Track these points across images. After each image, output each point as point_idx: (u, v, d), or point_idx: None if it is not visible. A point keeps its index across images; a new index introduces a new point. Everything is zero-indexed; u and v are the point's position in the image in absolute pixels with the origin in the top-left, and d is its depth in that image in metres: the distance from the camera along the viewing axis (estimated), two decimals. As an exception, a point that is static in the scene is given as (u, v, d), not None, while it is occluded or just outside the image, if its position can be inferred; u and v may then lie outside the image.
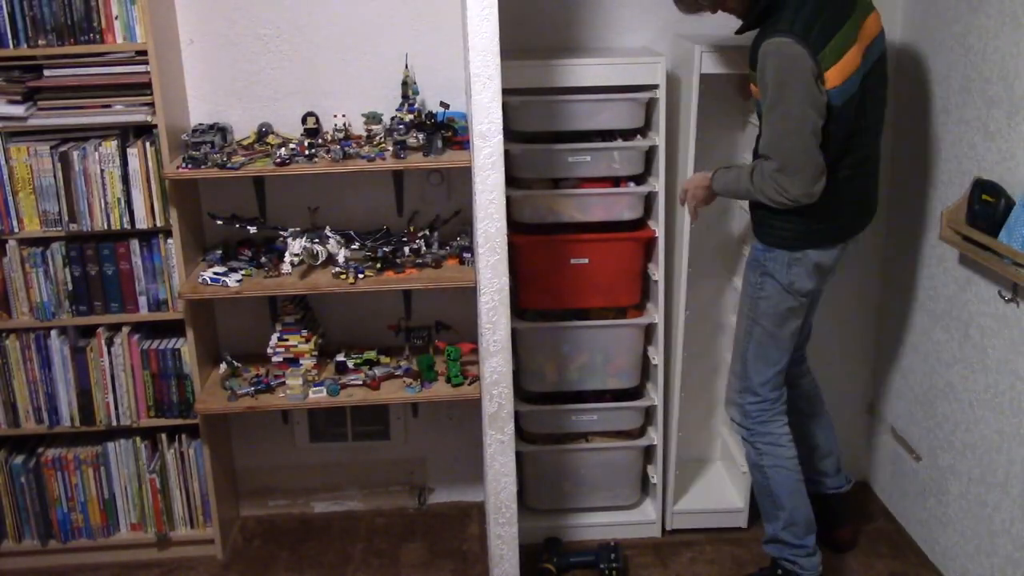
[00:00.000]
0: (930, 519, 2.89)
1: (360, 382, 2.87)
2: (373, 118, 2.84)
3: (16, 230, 2.78)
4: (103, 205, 2.76)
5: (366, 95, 2.90)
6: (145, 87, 2.67)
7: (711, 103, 2.79)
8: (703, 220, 3.09)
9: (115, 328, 2.90)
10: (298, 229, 2.82)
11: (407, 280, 2.78)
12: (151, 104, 2.68)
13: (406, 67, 2.85)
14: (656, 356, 2.93)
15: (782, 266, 2.52)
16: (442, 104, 2.80)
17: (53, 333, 2.86)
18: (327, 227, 2.84)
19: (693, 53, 2.68)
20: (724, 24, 2.57)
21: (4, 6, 2.59)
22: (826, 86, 2.30)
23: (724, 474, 3.28)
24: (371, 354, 2.97)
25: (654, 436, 3.01)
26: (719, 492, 3.19)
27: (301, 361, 2.88)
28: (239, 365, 2.94)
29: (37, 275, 2.80)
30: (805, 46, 2.27)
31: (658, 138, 2.76)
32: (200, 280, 2.76)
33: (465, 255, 2.86)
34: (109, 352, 2.87)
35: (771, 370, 2.63)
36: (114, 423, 2.92)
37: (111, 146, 2.72)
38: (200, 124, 2.85)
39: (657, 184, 2.80)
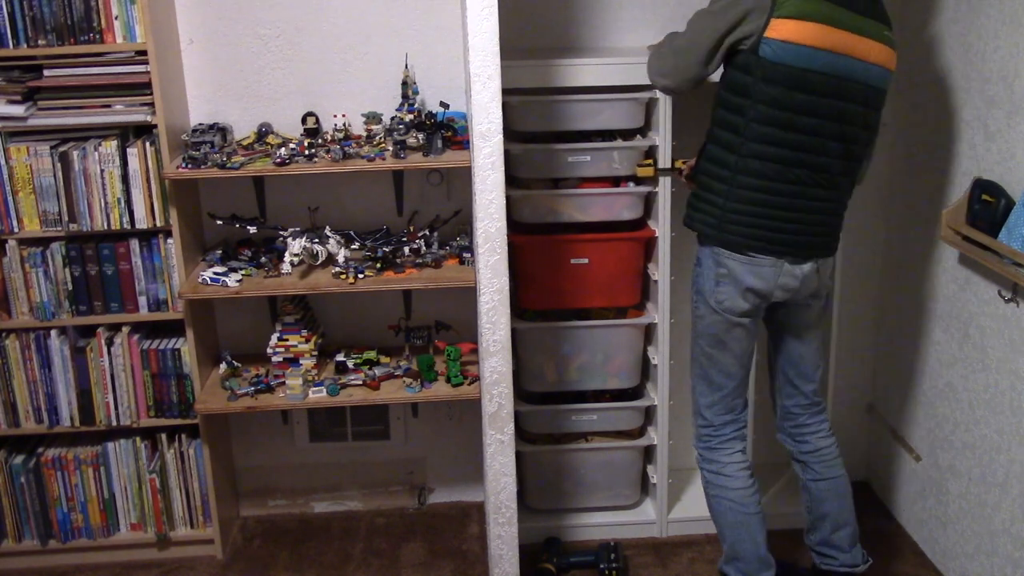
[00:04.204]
0: (930, 519, 2.90)
1: (360, 382, 2.87)
2: (373, 118, 2.84)
3: (16, 230, 2.78)
4: (103, 205, 2.76)
5: (366, 95, 2.90)
6: (145, 87, 2.67)
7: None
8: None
9: (115, 328, 2.90)
10: (298, 229, 2.82)
11: (407, 280, 2.78)
12: (151, 104, 2.68)
13: (406, 67, 2.85)
14: (656, 356, 2.93)
15: (709, 281, 2.37)
16: (442, 104, 2.80)
17: (53, 333, 2.86)
18: (327, 227, 2.84)
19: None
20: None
21: (4, 6, 2.59)
22: (767, 33, 2.14)
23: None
24: (371, 354, 2.97)
25: (654, 436, 3.01)
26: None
27: (301, 361, 2.88)
28: (239, 365, 2.94)
29: (37, 275, 2.80)
30: None
31: (658, 138, 2.76)
32: (200, 280, 2.76)
33: (465, 255, 2.86)
34: (109, 352, 2.86)
35: (715, 394, 2.47)
36: (114, 423, 2.92)
37: (111, 146, 2.72)
38: (200, 124, 2.85)
39: (657, 184, 2.80)
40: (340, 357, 2.95)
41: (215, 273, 2.76)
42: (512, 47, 2.66)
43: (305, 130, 2.85)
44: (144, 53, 2.63)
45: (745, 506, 2.48)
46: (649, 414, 3.05)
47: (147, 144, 2.74)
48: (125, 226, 2.78)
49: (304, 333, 2.89)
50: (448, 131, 2.77)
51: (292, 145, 2.76)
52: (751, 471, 2.52)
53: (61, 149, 2.74)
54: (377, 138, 2.81)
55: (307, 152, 2.71)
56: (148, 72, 2.64)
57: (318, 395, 2.83)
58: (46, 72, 2.67)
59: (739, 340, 2.42)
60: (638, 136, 2.86)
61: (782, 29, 2.13)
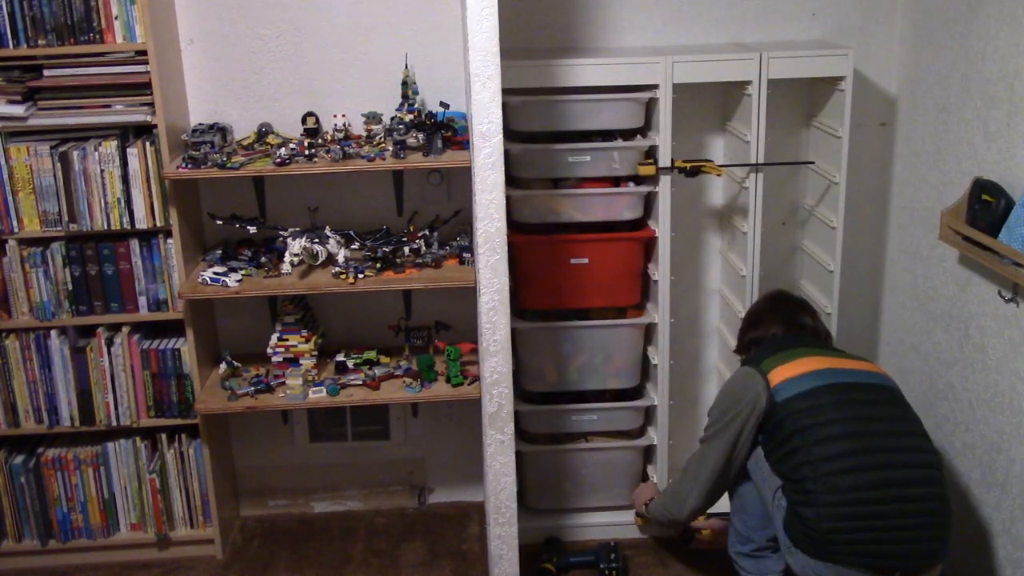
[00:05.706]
0: (930, 519, 2.89)
1: (360, 382, 2.87)
2: (373, 118, 2.84)
3: (16, 230, 2.78)
4: (103, 205, 2.76)
5: (366, 95, 2.90)
6: (145, 87, 2.67)
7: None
8: (695, 222, 3.09)
9: (115, 328, 2.90)
10: (298, 229, 2.82)
11: (407, 280, 2.78)
12: (151, 104, 2.68)
13: (406, 67, 2.85)
14: (656, 356, 2.93)
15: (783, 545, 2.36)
16: (442, 104, 2.80)
17: (53, 333, 2.86)
18: (327, 227, 2.84)
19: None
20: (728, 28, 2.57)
21: (4, 6, 2.59)
22: (773, 385, 2.34)
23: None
24: (371, 354, 2.97)
25: (654, 436, 3.01)
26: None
27: (301, 361, 2.88)
28: (239, 365, 2.94)
29: (37, 275, 2.80)
30: (756, 367, 2.39)
31: (658, 138, 2.76)
32: (200, 280, 2.76)
33: (465, 255, 2.86)
34: (109, 352, 2.86)
35: (762, 538, 2.53)
36: (114, 423, 2.92)
37: (111, 146, 2.72)
38: (200, 124, 2.85)
39: (657, 184, 2.80)
40: (340, 357, 2.95)
41: (215, 273, 2.76)
42: (512, 47, 2.66)
43: (305, 130, 2.85)
44: (144, 53, 2.63)
45: None
46: (649, 414, 3.05)
47: (147, 144, 2.74)
48: (125, 226, 2.78)
49: (304, 333, 2.89)
50: (448, 131, 2.77)
51: (292, 145, 2.76)
52: None
53: (61, 149, 2.74)
54: (377, 138, 2.81)
55: (307, 152, 2.71)
56: (148, 72, 2.64)
57: (318, 395, 2.83)
58: (46, 72, 2.67)
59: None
60: (638, 136, 2.85)
61: (779, 374, 2.35)
